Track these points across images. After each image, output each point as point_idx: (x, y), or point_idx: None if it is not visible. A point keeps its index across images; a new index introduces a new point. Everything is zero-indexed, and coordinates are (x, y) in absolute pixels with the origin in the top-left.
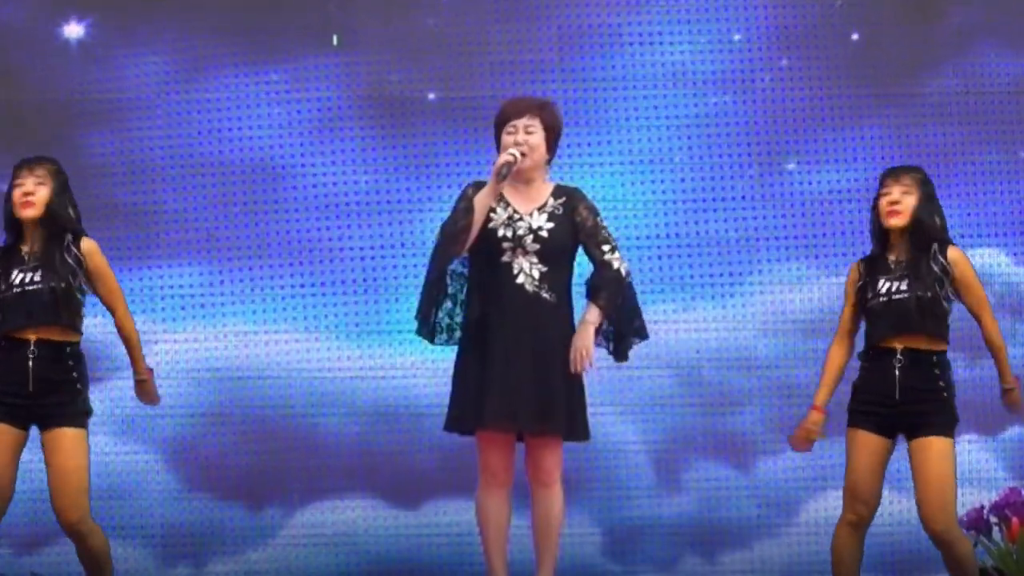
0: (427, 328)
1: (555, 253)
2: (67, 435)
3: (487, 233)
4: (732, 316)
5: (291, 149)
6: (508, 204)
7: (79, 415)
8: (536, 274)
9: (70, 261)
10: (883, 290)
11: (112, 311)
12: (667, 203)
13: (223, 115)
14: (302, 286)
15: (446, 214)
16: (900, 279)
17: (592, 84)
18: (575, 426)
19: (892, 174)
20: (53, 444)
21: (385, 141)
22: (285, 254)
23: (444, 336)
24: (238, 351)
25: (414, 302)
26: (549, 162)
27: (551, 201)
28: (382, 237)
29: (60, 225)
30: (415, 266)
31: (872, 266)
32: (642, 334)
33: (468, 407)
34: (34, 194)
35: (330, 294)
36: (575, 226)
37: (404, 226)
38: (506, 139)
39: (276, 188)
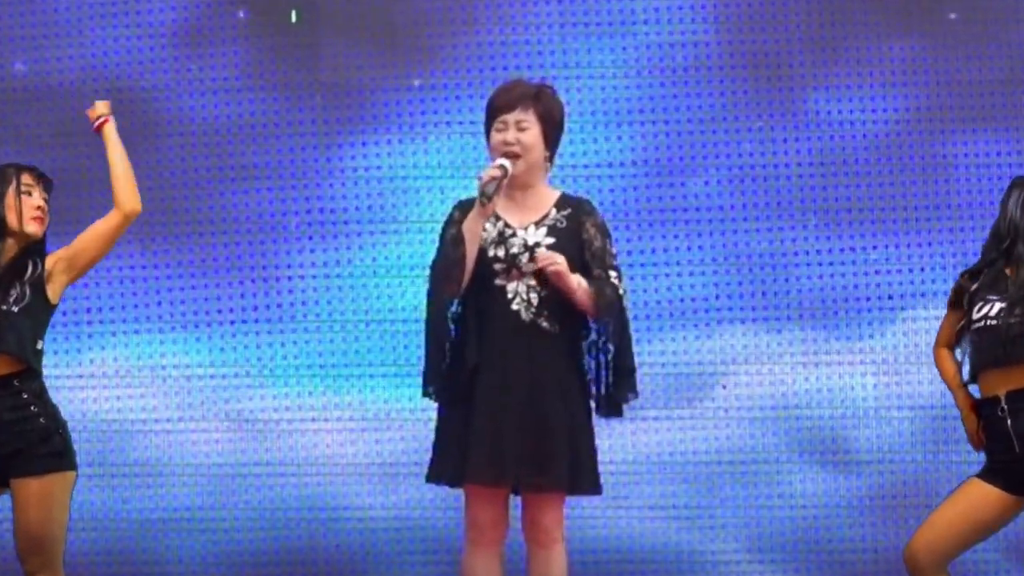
0: (436, 385)
1: None
2: (30, 486)
3: (476, 253)
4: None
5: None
6: (499, 218)
7: (46, 458)
8: (534, 299)
9: (31, 281)
10: (986, 312)
11: (110, 226)
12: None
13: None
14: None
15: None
16: (1007, 300)
17: (599, 68)
18: (580, 476)
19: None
20: (15, 497)
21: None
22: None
23: None
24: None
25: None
26: (550, 159)
27: (553, 212)
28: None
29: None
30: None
31: (985, 281)
32: (635, 388)
33: (452, 455)
34: (44, 209)
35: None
36: (581, 244)
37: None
38: (495, 137)
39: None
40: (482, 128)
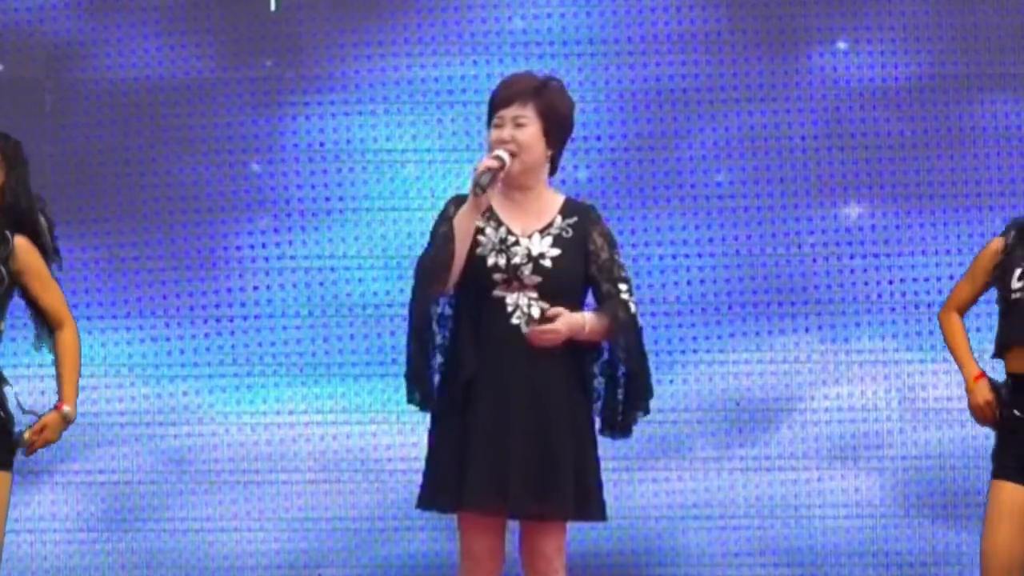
0: (421, 391)
1: (561, 288)
2: None
3: (474, 260)
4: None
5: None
6: (500, 223)
7: None
8: (536, 313)
9: None
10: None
11: (57, 325)
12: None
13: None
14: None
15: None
16: None
17: (603, 60)
18: (586, 502)
19: None
20: None
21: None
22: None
23: None
24: None
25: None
26: (554, 161)
27: (558, 220)
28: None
29: (17, 217)
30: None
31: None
32: (648, 406)
33: (447, 480)
34: None
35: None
36: (587, 255)
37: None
38: (492, 134)
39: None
40: (477, 126)
